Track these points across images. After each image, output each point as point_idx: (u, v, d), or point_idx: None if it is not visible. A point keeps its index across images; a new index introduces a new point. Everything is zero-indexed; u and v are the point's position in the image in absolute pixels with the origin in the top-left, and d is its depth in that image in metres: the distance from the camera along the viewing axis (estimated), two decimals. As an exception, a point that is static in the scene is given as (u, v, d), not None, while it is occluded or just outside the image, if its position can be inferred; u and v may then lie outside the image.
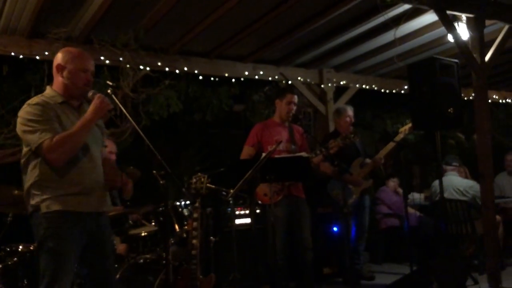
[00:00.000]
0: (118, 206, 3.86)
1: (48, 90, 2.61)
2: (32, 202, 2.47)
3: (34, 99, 2.52)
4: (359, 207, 5.10)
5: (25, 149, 2.52)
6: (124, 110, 2.47)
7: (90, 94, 2.54)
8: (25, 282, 3.50)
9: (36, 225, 2.46)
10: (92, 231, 2.54)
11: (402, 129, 4.83)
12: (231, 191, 3.51)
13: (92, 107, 2.48)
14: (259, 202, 4.33)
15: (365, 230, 5.22)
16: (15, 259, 3.51)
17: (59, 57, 2.59)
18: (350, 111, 5.19)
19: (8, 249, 3.57)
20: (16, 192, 3.64)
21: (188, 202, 3.93)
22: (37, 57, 4.67)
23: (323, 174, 4.81)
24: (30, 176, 2.48)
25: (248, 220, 4.88)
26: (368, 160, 5.08)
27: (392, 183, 6.32)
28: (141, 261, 3.68)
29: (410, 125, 4.72)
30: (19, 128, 2.47)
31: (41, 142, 2.38)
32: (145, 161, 2.82)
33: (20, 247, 3.55)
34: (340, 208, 4.53)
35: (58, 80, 2.59)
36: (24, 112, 2.47)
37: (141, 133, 2.38)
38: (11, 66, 4.78)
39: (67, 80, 2.56)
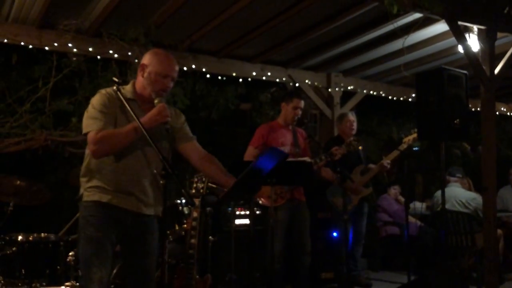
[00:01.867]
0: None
1: (129, 84, 2.66)
2: (81, 189, 2.56)
3: (107, 89, 2.56)
4: (358, 214, 5.09)
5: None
6: (129, 109, 2.44)
7: (156, 101, 2.50)
8: (23, 272, 3.51)
9: (80, 211, 2.55)
10: (128, 227, 2.54)
11: (406, 139, 4.81)
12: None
13: (148, 114, 2.46)
14: (260, 202, 4.32)
15: (362, 237, 5.21)
16: (14, 248, 3.54)
17: (145, 57, 2.61)
18: (351, 116, 5.18)
19: (8, 238, 3.59)
20: (18, 182, 3.67)
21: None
22: (46, 48, 4.68)
23: (323, 179, 4.80)
24: (83, 164, 2.57)
25: (248, 221, 4.87)
26: (371, 165, 5.06)
27: (394, 190, 6.30)
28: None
29: (415, 135, 4.70)
30: (84, 121, 2.52)
31: (89, 131, 2.44)
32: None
33: (20, 237, 3.57)
34: (339, 214, 4.52)
35: (139, 78, 2.61)
36: (94, 98, 2.54)
37: (146, 133, 2.36)
38: (20, 56, 4.79)
39: (145, 80, 2.56)
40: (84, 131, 2.48)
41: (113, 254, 2.52)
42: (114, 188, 2.49)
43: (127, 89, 2.61)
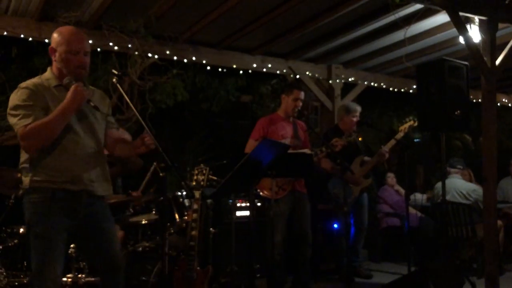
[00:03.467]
0: (119, 195, 3.87)
1: (47, 72, 2.57)
2: (24, 181, 2.46)
3: (26, 82, 2.47)
4: (358, 206, 5.10)
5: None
6: (128, 101, 2.44)
7: (65, 81, 2.45)
8: (25, 264, 3.54)
9: (25, 205, 2.46)
10: (85, 216, 2.50)
11: (402, 127, 4.82)
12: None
13: (67, 97, 2.40)
14: (261, 194, 4.32)
15: (363, 228, 5.22)
16: (16, 241, 3.57)
17: (52, 39, 2.54)
18: (359, 111, 5.15)
19: (9, 230, 3.62)
20: (18, 174, 3.66)
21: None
22: (46, 41, 4.66)
23: (323, 171, 4.81)
24: (22, 159, 2.49)
25: (248, 213, 4.88)
26: (367, 158, 5.06)
27: (389, 178, 6.30)
28: (140, 249, 3.71)
29: (410, 123, 4.70)
30: (8, 110, 2.44)
31: (18, 128, 2.37)
32: (149, 150, 2.81)
33: (21, 229, 3.60)
34: (340, 206, 4.53)
35: (53, 63, 2.55)
36: (14, 95, 2.44)
37: (144, 124, 2.36)
38: (20, 48, 4.79)
39: (59, 63, 2.50)
40: (15, 129, 2.39)
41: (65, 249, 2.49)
42: (64, 179, 2.43)
43: (48, 76, 2.53)
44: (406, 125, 4.77)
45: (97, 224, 2.58)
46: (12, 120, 2.41)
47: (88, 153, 2.52)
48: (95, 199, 2.56)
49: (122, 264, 2.67)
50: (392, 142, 4.89)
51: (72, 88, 2.41)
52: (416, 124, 4.64)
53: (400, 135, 4.79)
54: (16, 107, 2.39)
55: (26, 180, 2.45)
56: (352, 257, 5.16)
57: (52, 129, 2.37)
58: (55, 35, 2.53)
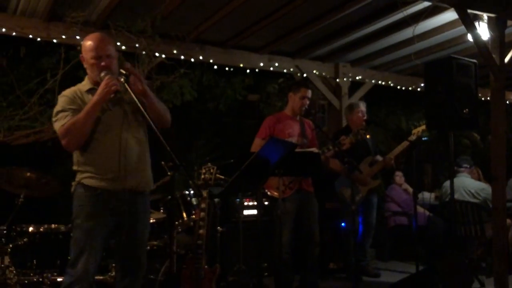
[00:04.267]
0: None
1: (84, 79, 2.78)
2: (76, 178, 2.66)
3: (66, 91, 2.70)
4: (367, 205, 5.10)
5: None
6: (135, 98, 2.46)
7: (102, 75, 2.59)
8: (34, 262, 3.57)
9: (73, 200, 2.64)
10: (125, 212, 2.60)
11: (415, 130, 4.80)
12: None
13: (98, 90, 2.56)
14: (268, 193, 4.32)
15: (372, 228, 5.21)
16: (25, 239, 3.60)
17: (82, 47, 2.72)
18: (362, 106, 5.14)
19: (19, 229, 3.65)
20: (28, 174, 3.70)
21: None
22: (54, 41, 4.70)
23: (331, 170, 4.80)
24: (74, 155, 2.68)
25: (256, 212, 4.89)
26: (379, 158, 5.05)
27: (397, 177, 6.28)
28: (148, 247, 3.72)
29: (423, 126, 4.69)
30: (54, 124, 2.66)
31: (58, 130, 2.57)
32: (156, 149, 2.83)
33: (31, 228, 3.63)
34: (347, 205, 4.52)
35: (87, 70, 2.75)
36: (57, 104, 2.66)
37: (151, 123, 2.38)
38: (28, 48, 4.82)
39: (88, 70, 2.71)
40: (56, 131, 2.60)
41: (105, 243, 2.63)
42: (106, 177, 2.58)
43: (84, 83, 2.75)
44: (420, 128, 4.76)
45: (134, 224, 2.67)
46: (55, 126, 2.62)
47: (128, 149, 2.62)
48: (137, 195, 2.66)
49: (143, 271, 2.77)
50: (405, 144, 4.88)
51: (106, 78, 2.56)
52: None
53: (412, 137, 4.79)
54: (56, 113, 2.62)
55: (76, 177, 2.65)
56: (360, 256, 5.14)
57: (83, 123, 2.53)
58: (83, 42, 2.72)
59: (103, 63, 2.63)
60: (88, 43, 2.67)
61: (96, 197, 2.58)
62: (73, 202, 2.63)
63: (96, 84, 2.65)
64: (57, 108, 2.63)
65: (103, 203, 2.58)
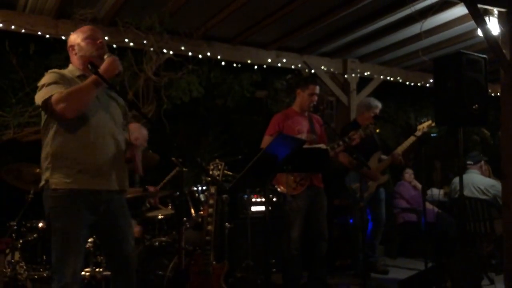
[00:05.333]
0: (136, 189, 3.91)
1: (69, 67, 2.68)
2: (43, 176, 2.48)
3: (53, 70, 2.57)
4: (375, 201, 5.08)
5: (43, 120, 2.54)
6: (134, 96, 2.47)
7: (106, 56, 2.55)
8: (44, 258, 3.60)
9: (45, 200, 2.49)
10: (104, 211, 2.53)
11: (420, 126, 4.78)
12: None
13: (103, 65, 2.48)
14: (279, 190, 4.32)
15: (382, 224, 5.20)
16: (35, 235, 3.63)
17: (69, 40, 2.68)
18: (380, 107, 5.12)
19: (29, 225, 3.68)
20: (37, 170, 3.73)
21: (205, 187, 3.95)
22: (63, 37, 4.72)
23: (340, 165, 4.79)
24: (45, 149, 2.51)
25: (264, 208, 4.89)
26: (384, 157, 5.02)
27: (407, 174, 6.25)
28: (157, 243, 3.74)
29: (429, 122, 4.66)
30: (36, 95, 2.48)
31: (51, 95, 2.38)
32: (165, 145, 2.84)
33: (40, 223, 3.66)
34: (357, 201, 4.51)
35: (73, 58, 2.66)
36: (44, 78, 2.50)
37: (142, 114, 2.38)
38: (37, 46, 4.85)
39: (80, 52, 2.61)
40: (43, 98, 2.38)
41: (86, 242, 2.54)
42: (88, 169, 2.46)
43: (71, 69, 2.63)
44: (425, 124, 4.73)
45: (114, 222, 2.61)
46: (43, 93, 2.41)
47: (107, 147, 2.55)
48: (113, 194, 2.59)
49: (133, 265, 2.69)
50: (412, 139, 4.86)
51: (111, 58, 2.51)
52: (434, 124, 4.61)
53: (418, 133, 4.76)
54: (48, 84, 2.43)
55: (46, 174, 2.46)
56: (369, 252, 5.14)
57: (87, 92, 2.41)
58: (71, 36, 2.68)
59: (99, 41, 2.61)
60: (83, 29, 2.66)
61: (74, 197, 2.43)
62: (47, 203, 2.46)
63: (86, 70, 2.56)
64: (47, 80, 2.45)
65: (81, 203, 2.45)
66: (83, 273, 3.31)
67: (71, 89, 2.40)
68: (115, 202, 2.60)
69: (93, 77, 2.43)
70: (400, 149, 4.94)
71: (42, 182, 2.49)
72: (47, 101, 2.38)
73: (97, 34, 2.65)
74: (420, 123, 4.85)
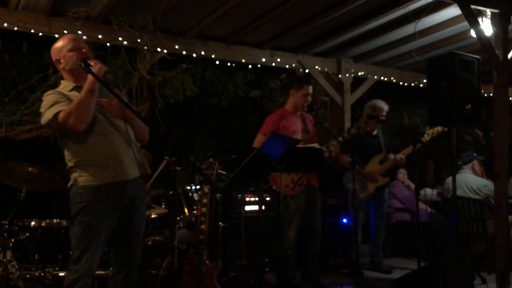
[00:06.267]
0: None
1: (61, 83, 2.76)
2: (72, 176, 2.64)
3: (50, 91, 2.68)
4: (377, 202, 5.10)
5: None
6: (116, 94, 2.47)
7: (89, 61, 2.58)
8: (36, 257, 3.57)
9: (72, 198, 2.61)
10: (127, 207, 2.65)
11: (430, 131, 4.75)
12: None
13: (94, 68, 2.55)
14: (278, 190, 4.31)
15: (384, 224, 5.23)
16: (27, 234, 3.60)
17: (54, 52, 2.74)
18: (386, 110, 5.12)
19: (21, 224, 3.65)
20: (30, 168, 3.71)
21: (198, 187, 3.95)
22: (56, 35, 4.68)
23: (341, 166, 4.81)
24: (69, 162, 2.66)
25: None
26: (391, 156, 5.01)
27: (400, 174, 6.27)
28: (150, 243, 3.73)
29: (439, 128, 4.64)
30: (41, 117, 2.62)
31: (56, 113, 2.51)
32: (158, 144, 2.83)
33: (32, 222, 3.63)
34: (351, 200, 4.52)
35: (63, 73, 2.76)
36: (45, 100, 2.63)
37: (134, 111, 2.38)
38: (30, 43, 4.82)
39: (67, 66, 2.69)
40: (49, 117, 2.52)
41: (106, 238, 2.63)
42: (108, 163, 2.59)
43: (63, 85, 2.73)
44: (435, 130, 4.71)
45: (132, 218, 2.71)
46: (48, 115, 2.54)
47: (118, 139, 2.66)
48: (138, 181, 2.72)
49: (137, 263, 2.79)
50: (418, 146, 4.81)
51: (94, 61, 2.59)
52: (446, 130, 4.61)
53: (426, 138, 4.75)
54: (50, 106, 2.56)
55: (74, 174, 2.61)
56: (373, 252, 5.21)
57: (87, 100, 2.50)
58: (55, 47, 2.73)
59: (84, 50, 2.65)
60: (62, 42, 2.70)
61: (99, 192, 2.57)
62: (73, 198, 2.61)
63: (78, 80, 2.67)
64: (48, 102, 2.58)
65: (105, 198, 2.58)
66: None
67: (74, 104, 2.53)
68: (137, 199, 2.71)
69: (87, 85, 2.53)
70: (404, 153, 4.96)
71: (71, 181, 2.63)
72: (52, 122, 2.53)
73: (80, 43, 2.70)
74: (430, 128, 4.81)
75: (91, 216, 2.55)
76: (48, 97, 2.62)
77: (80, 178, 2.59)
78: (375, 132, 5.17)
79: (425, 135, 4.79)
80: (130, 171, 2.67)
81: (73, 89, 2.67)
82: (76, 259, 2.54)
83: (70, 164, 2.65)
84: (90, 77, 2.53)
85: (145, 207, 2.84)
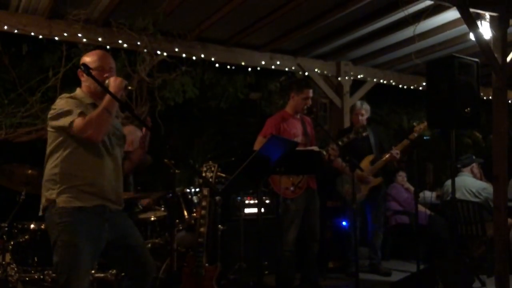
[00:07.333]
0: (130, 192, 3.89)
1: (78, 91, 2.69)
2: (47, 196, 2.50)
3: (66, 94, 2.61)
4: (372, 204, 5.10)
5: (50, 140, 2.56)
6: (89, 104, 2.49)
7: (106, 82, 2.56)
8: (35, 259, 3.57)
9: (50, 221, 2.50)
10: (111, 226, 2.57)
11: (417, 128, 4.78)
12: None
13: (112, 83, 2.53)
14: (279, 193, 4.31)
15: (380, 226, 5.23)
16: (27, 236, 3.59)
17: (84, 61, 2.67)
18: (360, 106, 5.17)
19: (20, 226, 3.64)
20: (29, 171, 3.71)
21: (198, 189, 3.95)
22: (56, 38, 4.70)
23: (334, 170, 4.81)
24: (50, 169, 2.53)
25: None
26: (386, 156, 5.02)
27: (400, 177, 6.28)
28: (149, 245, 3.73)
29: (425, 124, 4.67)
30: (51, 117, 2.52)
31: (73, 121, 2.43)
32: (157, 147, 2.84)
33: (32, 225, 3.62)
34: (348, 203, 4.52)
35: (83, 84, 2.69)
36: (57, 104, 2.54)
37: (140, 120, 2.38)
38: (30, 46, 4.83)
39: (86, 82, 2.65)
40: (66, 123, 2.43)
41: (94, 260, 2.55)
42: (94, 191, 2.50)
43: (81, 95, 2.65)
44: (422, 126, 4.74)
45: (124, 232, 2.65)
46: (61, 120, 2.46)
47: (108, 167, 2.59)
48: (115, 210, 2.64)
49: (152, 270, 2.74)
50: (406, 142, 4.87)
51: (113, 78, 2.55)
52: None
53: (414, 135, 4.77)
54: (67, 112, 2.47)
55: (52, 195, 2.48)
56: (372, 255, 5.20)
57: (108, 115, 2.45)
58: (82, 59, 2.69)
59: (106, 75, 2.61)
60: (91, 56, 2.67)
61: (80, 213, 2.45)
62: (51, 220, 2.47)
63: (96, 98, 2.62)
64: (65, 107, 2.49)
65: (88, 217, 2.48)
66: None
67: (94, 116, 2.43)
68: (117, 217, 2.64)
69: (105, 103, 2.46)
70: (398, 148, 4.96)
71: (45, 203, 2.50)
72: (70, 126, 2.43)
73: (107, 64, 2.65)
74: (417, 124, 4.85)
75: (73, 234, 2.41)
76: (68, 100, 2.54)
77: (59, 199, 2.45)
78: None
79: (413, 132, 4.81)
80: (112, 201, 2.60)
81: (92, 104, 2.61)
82: (64, 283, 2.39)
83: (52, 172, 2.51)
84: (107, 96, 2.48)
85: (131, 221, 2.77)
